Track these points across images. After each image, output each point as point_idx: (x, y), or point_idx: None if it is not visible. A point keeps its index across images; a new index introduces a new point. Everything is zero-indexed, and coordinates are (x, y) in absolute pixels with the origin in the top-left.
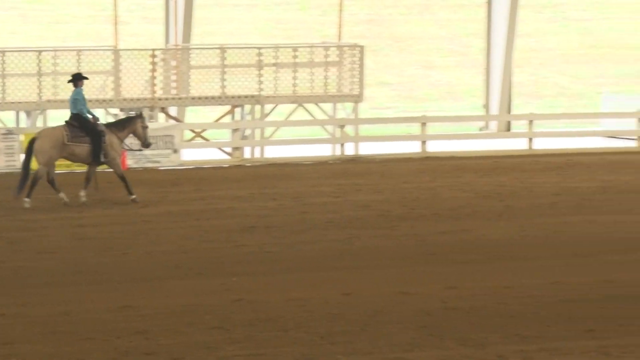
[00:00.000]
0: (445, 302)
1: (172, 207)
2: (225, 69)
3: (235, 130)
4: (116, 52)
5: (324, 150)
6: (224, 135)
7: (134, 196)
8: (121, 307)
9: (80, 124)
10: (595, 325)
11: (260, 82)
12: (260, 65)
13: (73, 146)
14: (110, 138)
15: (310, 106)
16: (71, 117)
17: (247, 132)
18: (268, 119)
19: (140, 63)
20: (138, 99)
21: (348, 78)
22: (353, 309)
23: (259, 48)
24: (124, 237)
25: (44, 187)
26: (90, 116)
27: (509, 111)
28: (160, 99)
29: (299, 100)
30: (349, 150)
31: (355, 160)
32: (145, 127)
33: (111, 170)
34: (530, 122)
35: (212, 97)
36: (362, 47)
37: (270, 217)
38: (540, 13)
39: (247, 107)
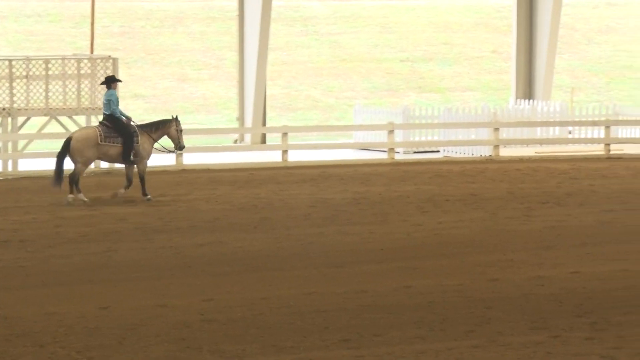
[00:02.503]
0: (203, 314)
1: None
2: None
3: None
4: None
5: None
6: None
7: (149, 196)
8: None
9: (114, 124)
10: (351, 335)
11: (12, 95)
12: (11, 78)
13: (107, 146)
14: (142, 139)
15: (64, 119)
16: (105, 118)
17: None
18: (20, 131)
19: None
20: None
21: (101, 90)
22: (110, 322)
23: (10, 60)
24: None
25: None
26: (123, 117)
27: (263, 124)
28: None
29: (51, 112)
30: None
31: (111, 173)
32: (180, 130)
33: None
34: (285, 134)
35: None
36: (115, 59)
37: (24, 231)
38: (292, 27)
39: None
